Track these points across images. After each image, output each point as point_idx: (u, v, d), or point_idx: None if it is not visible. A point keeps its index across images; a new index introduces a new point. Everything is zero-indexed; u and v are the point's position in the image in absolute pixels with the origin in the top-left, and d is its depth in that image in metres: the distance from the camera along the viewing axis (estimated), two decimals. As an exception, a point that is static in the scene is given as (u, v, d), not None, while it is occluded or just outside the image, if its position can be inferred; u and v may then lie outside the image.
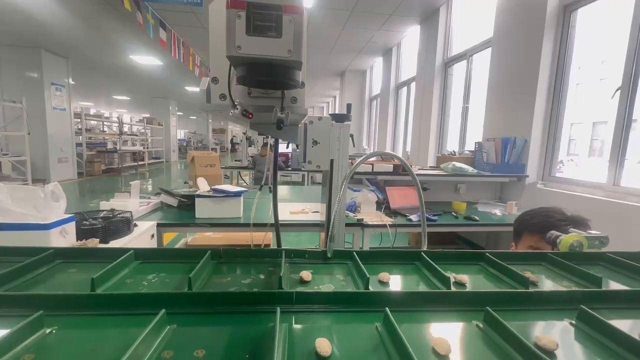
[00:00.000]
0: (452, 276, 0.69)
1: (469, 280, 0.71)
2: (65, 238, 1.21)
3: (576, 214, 1.17)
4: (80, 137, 9.37)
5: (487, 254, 0.80)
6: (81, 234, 1.33)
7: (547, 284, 0.72)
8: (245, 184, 5.98)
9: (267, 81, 0.77)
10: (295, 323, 0.52)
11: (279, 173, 4.22)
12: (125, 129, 13.04)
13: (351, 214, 2.19)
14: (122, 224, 1.51)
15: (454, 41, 4.78)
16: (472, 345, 0.49)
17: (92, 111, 16.43)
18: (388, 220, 2.12)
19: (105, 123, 14.08)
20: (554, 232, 0.91)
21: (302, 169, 1.89)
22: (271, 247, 2.11)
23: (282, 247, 0.79)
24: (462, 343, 0.49)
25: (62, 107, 8.09)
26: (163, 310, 0.50)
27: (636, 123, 2.22)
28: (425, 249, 0.87)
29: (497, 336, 0.50)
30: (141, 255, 0.76)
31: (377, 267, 0.76)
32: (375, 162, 2.63)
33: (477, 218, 2.31)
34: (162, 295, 0.56)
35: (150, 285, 0.65)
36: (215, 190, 2.02)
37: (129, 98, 15.12)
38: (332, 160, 1.17)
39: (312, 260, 0.79)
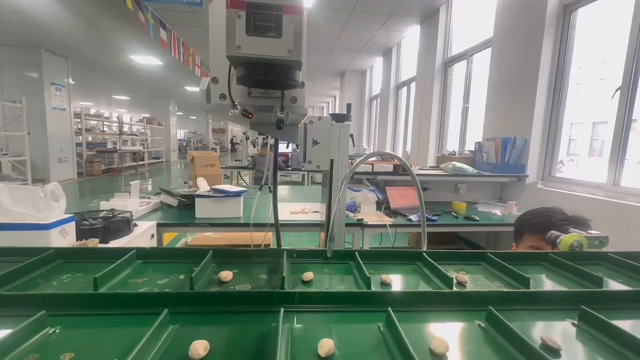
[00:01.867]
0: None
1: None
2: (65, 238, 1.21)
3: (577, 214, 1.17)
4: (80, 137, 9.37)
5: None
6: (81, 234, 1.33)
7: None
8: (245, 184, 5.98)
9: (267, 81, 0.77)
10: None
11: (279, 173, 4.22)
12: (125, 129, 13.04)
13: (351, 214, 2.19)
14: (122, 224, 1.51)
15: (454, 41, 4.78)
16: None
17: (92, 111, 16.42)
18: (388, 220, 2.12)
19: (105, 123, 14.08)
20: (553, 232, 0.91)
21: (302, 169, 1.89)
22: (271, 247, 2.12)
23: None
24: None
25: (62, 107, 8.09)
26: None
27: (636, 123, 2.22)
28: (425, 249, 0.87)
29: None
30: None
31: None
32: (375, 162, 2.62)
33: (477, 218, 2.31)
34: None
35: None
36: (215, 190, 2.02)
37: (129, 98, 15.12)
38: (332, 160, 1.17)
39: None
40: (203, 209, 1.96)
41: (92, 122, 12.88)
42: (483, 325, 0.53)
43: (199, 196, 1.95)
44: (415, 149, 5.50)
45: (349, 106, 1.25)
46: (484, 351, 0.48)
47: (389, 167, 2.62)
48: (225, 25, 0.66)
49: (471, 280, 0.72)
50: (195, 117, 22.19)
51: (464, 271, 0.75)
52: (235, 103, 0.80)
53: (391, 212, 2.36)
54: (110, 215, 1.54)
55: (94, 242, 1.30)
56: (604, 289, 0.65)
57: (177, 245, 3.27)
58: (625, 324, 0.54)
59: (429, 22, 5.13)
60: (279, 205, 1.22)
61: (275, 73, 0.72)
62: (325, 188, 1.24)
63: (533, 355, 0.43)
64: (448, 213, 2.45)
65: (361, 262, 0.72)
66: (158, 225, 1.83)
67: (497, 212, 2.49)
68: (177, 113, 16.35)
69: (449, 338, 0.48)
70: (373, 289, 0.63)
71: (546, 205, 1.26)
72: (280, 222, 1.22)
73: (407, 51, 6.53)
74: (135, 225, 1.64)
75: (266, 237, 1.82)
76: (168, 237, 3.57)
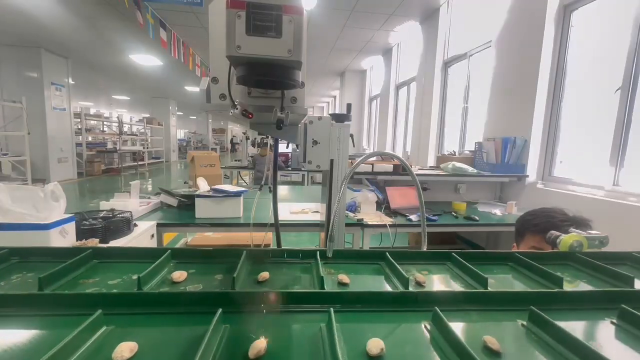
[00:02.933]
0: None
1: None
2: (65, 238, 1.21)
3: (578, 215, 1.18)
4: (80, 137, 9.37)
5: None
6: (81, 234, 1.33)
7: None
8: (245, 184, 5.98)
9: (267, 81, 0.77)
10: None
11: (279, 173, 4.22)
12: (125, 129, 13.03)
13: (351, 214, 2.19)
14: (122, 224, 1.51)
15: (454, 41, 4.78)
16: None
17: (92, 111, 16.40)
18: (388, 220, 2.12)
19: (105, 123, 14.07)
20: (553, 232, 0.91)
21: (302, 169, 1.89)
22: (271, 247, 2.11)
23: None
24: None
25: (62, 107, 8.09)
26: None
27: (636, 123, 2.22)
28: (425, 249, 0.87)
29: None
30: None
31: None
32: (375, 162, 2.62)
33: (477, 218, 2.31)
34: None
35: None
36: (215, 190, 2.02)
37: (128, 98, 15.11)
38: (332, 160, 1.17)
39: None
40: (203, 209, 1.96)
41: (92, 122, 12.86)
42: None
43: (199, 196, 1.95)
44: (415, 149, 5.50)
45: (349, 106, 1.25)
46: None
47: (389, 167, 2.62)
48: (225, 25, 0.66)
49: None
50: (195, 117, 22.19)
51: (426, 271, 0.76)
52: (235, 103, 0.80)
53: (391, 212, 2.36)
54: (110, 215, 1.54)
55: (93, 242, 1.30)
56: (564, 289, 0.65)
57: (177, 246, 3.27)
58: (571, 325, 0.55)
59: (429, 22, 5.13)
60: (279, 205, 1.22)
61: (275, 73, 0.72)
62: (325, 188, 1.24)
63: (465, 357, 0.43)
64: (448, 213, 2.45)
65: (320, 262, 0.73)
66: (158, 225, 1.83)
67: (497, 212, 2.49)
68: (177, 113, 16.34)
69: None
70: (326, 288, 0.62)
71: (546, 206, 1.26)
72: (280, 222, 1.21)
73: (407, 51, 6.53)
74: (135, 225, 1.64)
75: (266, 237, 1.82)
76: (168, 237, 3.57)
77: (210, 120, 22.07)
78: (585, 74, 2.70)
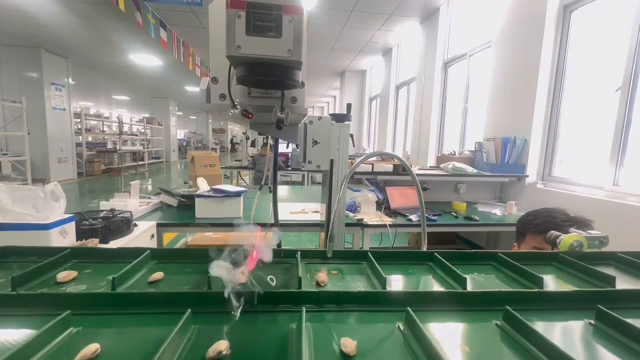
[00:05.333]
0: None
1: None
2: (65, 238, 1.21)
3: (579, 215, 1.18)
4: (80, 137, 9.36)
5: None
6: (81, 234, 1.33)
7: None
8: (245, 184, 5.98)
9: (267, 81, 0.77)
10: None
11: (279, 173, 4.22)
12: (125, 128, 13.03)
13: (351, 214, 2.19)
14: (122, 224, 1.51)
15: (454, 41, 4.78)
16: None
17: (92, 111, 16.42)
18: (388, 220, 2.12)
19: (105, 123, 14.08)
20: (553, 232, 0.91)
21: (302, 169, 1.89)
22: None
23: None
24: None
25: (61, 107, 8.09)
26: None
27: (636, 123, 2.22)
28: (425, 249, 0.87)
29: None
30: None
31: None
32: (375, 162, 2.62)
33: (477, 218, 2.31)
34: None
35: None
36: (215, 190, 2.02)
37: (129, 98, 15.11)
38: (332, 160, 1.17)
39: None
40: (203, 209, 1.96)
41: (92, 122, 12.89)
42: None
43: (199, 196, 1.95)
44: (415, 149, 5.50)
45: (349, 106, 1.25)
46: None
47: (389, 167, 2.62)
48: (225, 25, 0.66)
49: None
50: (195, 117, 22.18)
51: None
52: (235, 103, 0.80)
53: (391, 212, 2.36)
54: (110, 215, 1.54)
55: (93, 242, 1.30)
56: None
57: (177, 246, 3.27)
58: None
59: (429, 22, 5.13)
60: (279, 205, 1.22)
61: (275, 73, 0.72)
62: (325, 188, 1.24)
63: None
64: (448, 213, 2.45)
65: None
66: (158, 225, 1.83)
67: (497, 212, 2.49)
68: (177, 113, 16.34)
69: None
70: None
71: (546, 206, 1.26)
72: (280, 222, 1.22)
73: (407, 51, 6.53)
74: (135, 225, 1.64)
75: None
76: (168, 237, 3.57)
77: (210, 120, 22.06)
78: (585, 74, 2.70)
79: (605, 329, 0.53)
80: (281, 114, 0.79)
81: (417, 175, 1.67)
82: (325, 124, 1.14)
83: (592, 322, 0.55)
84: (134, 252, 0.75)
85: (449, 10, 4.79)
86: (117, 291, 0.60)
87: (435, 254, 0.79)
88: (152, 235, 1.75)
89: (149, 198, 2.26)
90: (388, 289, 0.63)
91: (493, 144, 2.94)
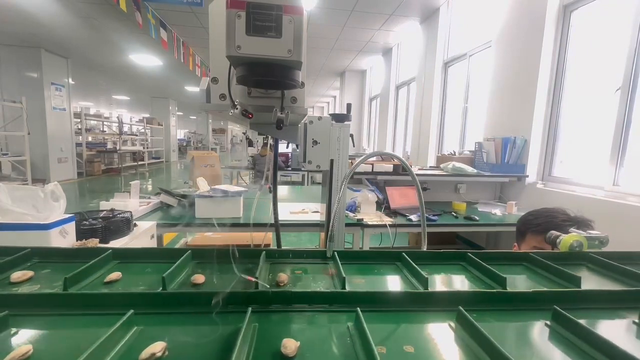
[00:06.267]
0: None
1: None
2: (65, 238, 1.21)
3: (580, 215, 1.18)
4: (80, 137, 9.36)
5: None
6: (81, 234, 1.33)
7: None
8: (245, 184, 5.98)
9: (267, 81, 0.77)
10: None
11: (279, 173, 4.22)
12: (125, 129, 13.03)
13: (351, 214, 2.19)
14: (122, 224, 1.51)
15: (454, 41, 4.78)
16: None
17: (92, 111, 16.41)
18: (388, 220, 2.12)
19: (105, 123, 14.07)
20: (553, 232, 0.91)
21: (302, 169, 1.89)
22: (271, 247, 2.11)
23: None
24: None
25: (61, 107, 8.09)
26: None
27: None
28: (425, 249, 0.87)
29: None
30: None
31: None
32: (375, 162, 2.62)
33: (477, 218, 2.31)
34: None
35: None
36: (215, 190, 2.02)
37: (129, 98, 15.11)
38: (332, 160, 1.17)
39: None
40: (203, 209, 1.96)
41: (92, 122, 12.87)
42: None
43: (199, 196, 1.95)
44: (415, 149, 5.50)
45: (349, 106, 1.25)
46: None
47: (389, 167, 2.62)
48: (225, 25, 0.66)
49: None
50: (195, 117, 22.18)
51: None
52: (235, 103, 0.80)
53: (391, 212, 2.36)
54: (110, 215, 1.54)
55: (93, 242, 1.30)
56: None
57: (177, 246, 3.27)
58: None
59: (429, 22, 5.13)
60: (279, 205, 1.21)
61: (275, 73, 0.72)
62: (325, 188, 1.24)
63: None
64: (448, 213, 2.45)
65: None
66: (158, 225, 1.83)
67: (497, 212, 2.49)
68: (177, 113, 16.33)
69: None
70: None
71: (546, 205, 1.26)
72: (280, 222, 1.21)
73: (407, 51, 6.53)
74: (135, 225, 1.64)
75: (266, 237, 1.82)
76: (168, 237, 3.57)
77: (210, 121, 22.06)
78: (585, 74, 2.70)
79: (560, 330, 0.52)
80: (281, 114, 0.79)
81: (417, 175, 1.68)
82: (325, 124, 1.14)
83: (549, 322, 0.55)
84: (94, 252, 0.75)
85: (449, 10, 4.79)
86: (69, 291, 0.59)
87: (403, 254, 0.78)
88: (152, 235, 1.75)
89: (149, 198, 2.25)
90: (348, 289, 0.62)
91: (493, 144, 2.94)
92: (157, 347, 0.44)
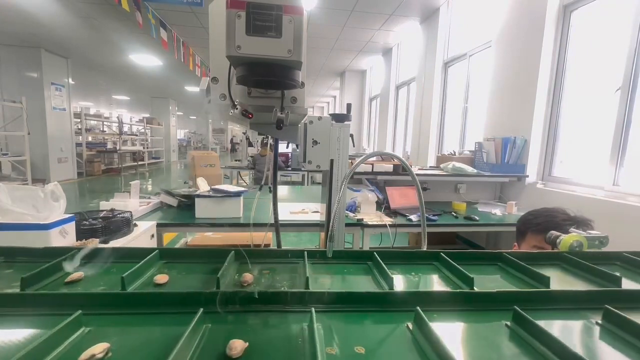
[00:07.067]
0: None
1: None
2: (65, 238, 1.21)
3: (579, 215, 1.18)
4: (80, 137, 9.36)
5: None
6: (81, 234, 1.33)
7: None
8: (245, 184, 5.98)
9: (267, 81, 0.77)
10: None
11: (279, 173, 4.22)
12: (125, 129, 13.03)
13: (351, 214, 2.19)
14: (122, 224, 1.51)
15: (454, 41, 4.78)
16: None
17: (92, 111, 16.40)
18: (388, 220, 2.12)
19: (105, 123, 14.07)
20: (553, 232, 0.91)
21: (302, 169, 1.89)
22: (271, 247, 2.11)
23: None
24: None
25: (61, 107, 8.09)
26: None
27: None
28: (425, 249, 0.87)
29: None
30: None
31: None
32: (375, 162, 2.62)
33: (477, 218, 2.31)
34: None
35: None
36: (215, 190, 2.02)
37: (129, 98, 15.11)
38: (332, 160, 1.17)
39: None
40: (203, 209, 1.96)
41: (92, 122, 12.88)
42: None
43: (199, 196, 1.95)
44: (415, 149, 5.50)
45: (349, 106, 1.25)
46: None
47: (389, 167, 2.62)
48: (225, 25, 0.66)
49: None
50: (195, 117, 22.19)
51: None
52: (235, 103, 0.80)
53: (391, 212, 2.36)
54: (110, 215, 1.54)
55: (93, 242, 1.30)
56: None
57: (177, 246, 3.27)
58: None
59: (429, 22, 5.13)
60: (279, 205, 1.22)
61: (275, 73, 0.72)
62: (325, 188, 1.24)
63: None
64: (448, 213, 2.45)
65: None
66: (158, 225, 1.83)
67: (497, 212, 2.49)
68: (177, 113, 16.33)
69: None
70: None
71: (546, 205, 1.26)
72: (280, 222, 1.22)
73: (407, 51, 6.53)
74: (135, 225, 1.64)
75: (266, 237, 1.82)
76: (168, 237, 3.57)
77: (210, 121, 22.06)
78: (585, 74, 2.70)
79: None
80: (281, 114, 0.79)
81: (417, 175, 1.67)
82: (325, 124, 1.14)
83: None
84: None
85: (449, 11, 4.79)
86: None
87: (375, 253, 0.77)
88: (152, 235, 1.75)
89: (149, 198, 2.25)
90: (312, 289, 0.61)
91: (493, 144, 2.94)
92: (98, 348, 0.43)
